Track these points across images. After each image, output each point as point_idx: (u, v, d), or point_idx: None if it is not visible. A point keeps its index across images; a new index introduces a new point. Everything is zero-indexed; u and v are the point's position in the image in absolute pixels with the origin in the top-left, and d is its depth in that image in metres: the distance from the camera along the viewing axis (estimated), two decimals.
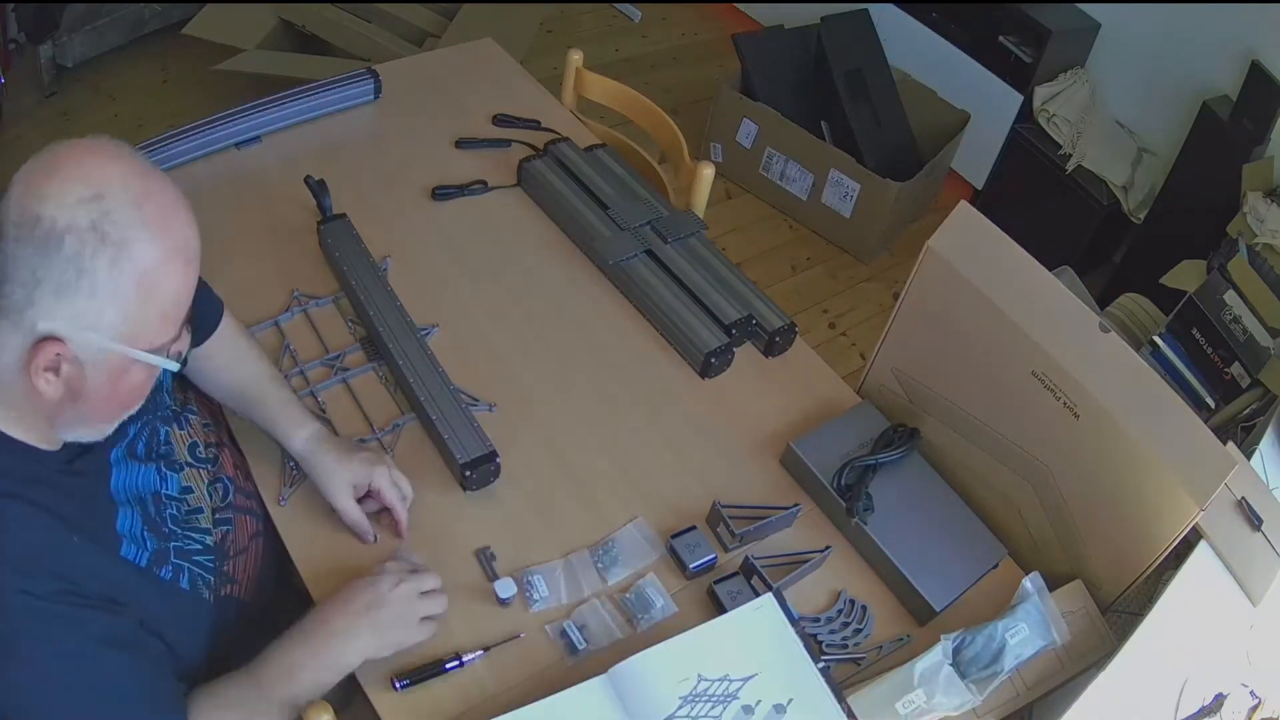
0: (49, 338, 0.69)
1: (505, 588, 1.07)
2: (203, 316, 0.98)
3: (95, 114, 2.68)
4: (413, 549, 1.11)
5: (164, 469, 0.96)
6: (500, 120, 1.69)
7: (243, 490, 1.08)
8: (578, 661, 1.04)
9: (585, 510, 1.18)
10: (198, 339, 1.01)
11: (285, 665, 0.91)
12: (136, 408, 0.82)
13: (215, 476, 1.04)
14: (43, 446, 0.79)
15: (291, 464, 1.10)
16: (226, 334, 1.09)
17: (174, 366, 0.77)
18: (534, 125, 1.69)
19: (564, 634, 1.06)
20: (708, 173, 1.65)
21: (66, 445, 0.82)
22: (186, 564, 0.94)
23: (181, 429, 1.02)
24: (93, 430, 0.82)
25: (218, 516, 1.01)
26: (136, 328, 0.72)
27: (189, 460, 1.00)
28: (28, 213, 0.67)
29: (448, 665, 1.00)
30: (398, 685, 0.98)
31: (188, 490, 0.98)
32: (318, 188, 1.34)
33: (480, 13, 2.80)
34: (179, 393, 1.06)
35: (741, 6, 3.47)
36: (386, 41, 2.66)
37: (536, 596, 1.08)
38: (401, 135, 1.62)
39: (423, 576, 1.00)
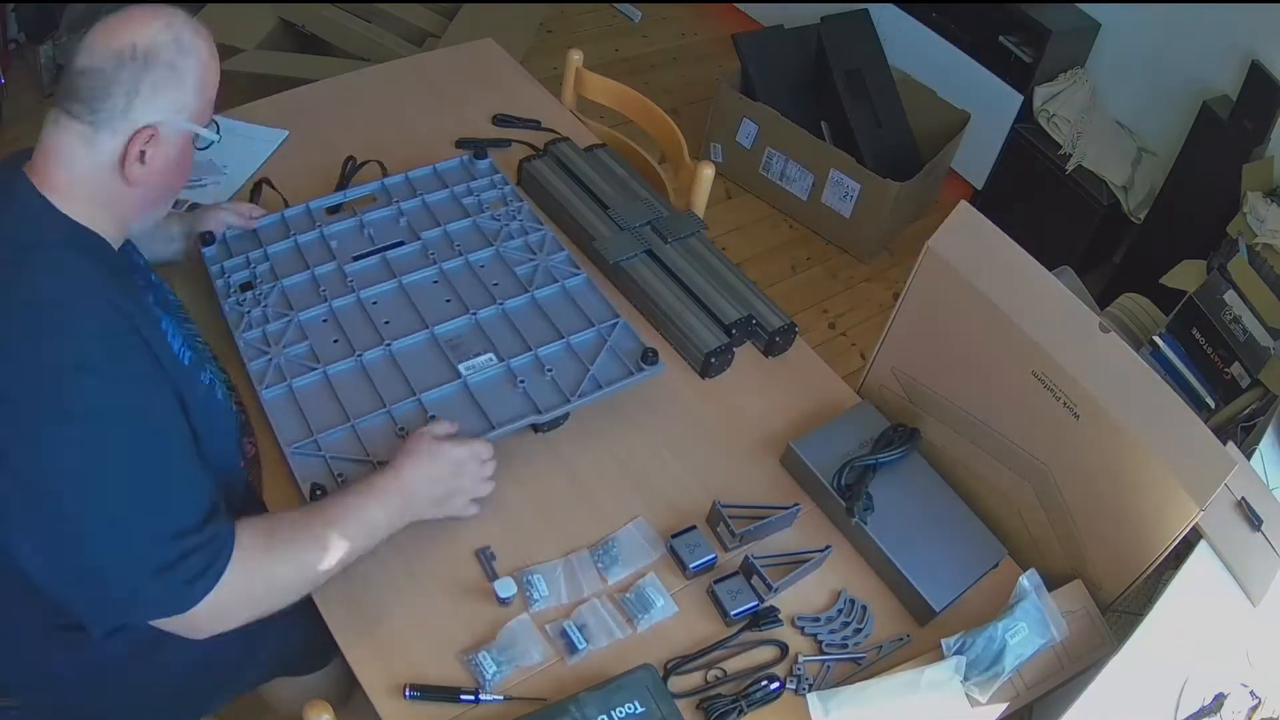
0: (145, 127, 0.92)
1: (505, 588, 1.07)
2: None
3: None
4: (413, 548, 1.12)
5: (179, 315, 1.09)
6: (500, 120, 1.69)
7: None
8: (578, 661, 1.05)
9: (585, 510, 1.18)
10: None
11: (359, 514, 0.99)
12: (181, 187, 1.03)
13: (219, 368, 1.15)
14: (113, 244, 0.97)
15: None
16: None
17: (215, 138, 1.00)
18: (534, 125, 1.69)
19: (564, 634, 1.06)
20: (708, 173, 1.65)
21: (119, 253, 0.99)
22: (219, 377, 1.07)
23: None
24: (154, 212, 1.01)
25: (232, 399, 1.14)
26: (200, 108, 0.96)
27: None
28: (122, 45, 0.89)
29: (463, 697, 1.00)
30: (408, 694, 0.99)
31: (205, 344, 1.12)
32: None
33: (480, 13, 2.80)
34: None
35: (741, 6, 3.47)
36: (386, 41, 2.66)
37: (536, 596, 1.08)
38: (402, 135, 1.62)
39: (484, 447, 1.09)
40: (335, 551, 0.97)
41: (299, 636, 1.26)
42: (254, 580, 0.92)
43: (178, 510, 0.88)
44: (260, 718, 1.43)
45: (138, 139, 0.92)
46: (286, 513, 0.98)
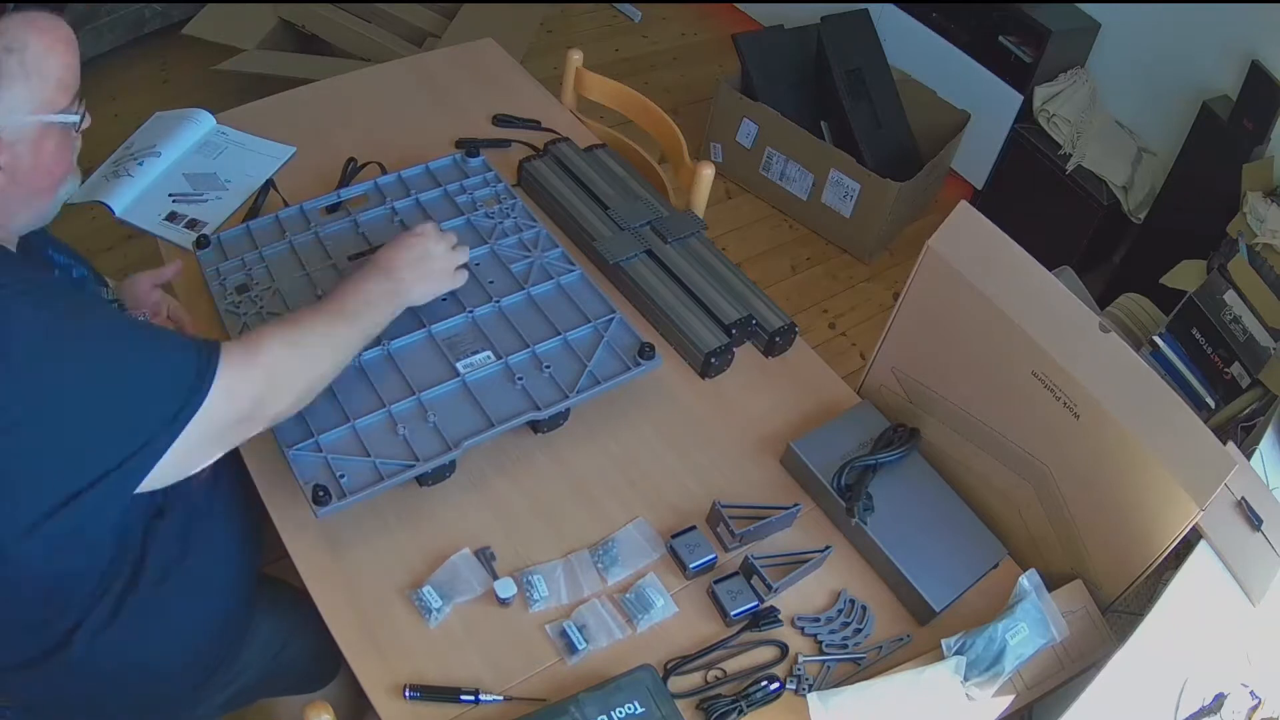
0: None
1: (505, 588, 1.07)
2: None
3: (95, 114, 2.64)
4: (412, 548, 1.12)
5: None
6: (500, 120, 1.69)
7: None
8: (578, 662, 1.05)
9: (585, 510, 1.18)
10: None
11: (360, 295, 1.09)
12: (64, 176, 0.98)
13: None
14: (7, 244, 0.94)
15: None
16: None
17: (74, 119, 0.97)
18: (534, 125, 1.69)
19: (564, 634, 1.06)
20: (708, 173, 1.65)
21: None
22: None
23: None
24: (38, 209, 0.97)
25: None
26: (48, 97, 0.92)
27: None
28: None
29: (463, 697, 1.00)
30: (408, 695, 0.99)
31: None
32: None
33: (480, 13, 2.80)
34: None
35: (741, 6, 3.47)
36: (386, 41, 2.66)
37: (536, 596, 1.08)
38: (401, 135, 1.62)
39: (449, 234, 1.21)
40: (335, 321, 1.05)
41: (298, 644, 1.26)
42: (289, 338, 0.99)
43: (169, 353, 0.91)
44: None
45: None
46: (299, 316, 1.04)
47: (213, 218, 1.45)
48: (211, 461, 0.96)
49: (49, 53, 0.92)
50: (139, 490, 0.89)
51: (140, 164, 1.50)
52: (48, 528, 0.87)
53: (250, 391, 0.95)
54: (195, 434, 0.89)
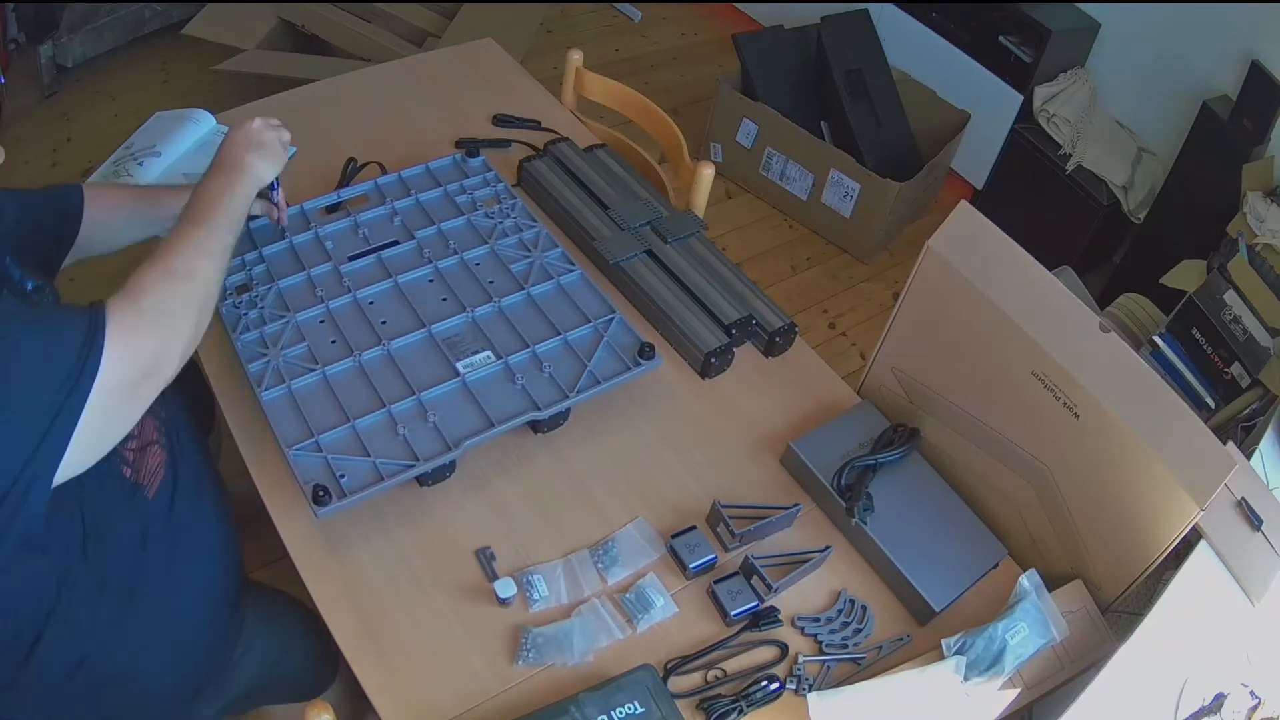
0: None
1: (505, 588, 1.07)
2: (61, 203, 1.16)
3: (95, 114, 2.69)
4: (413, 548, 1.12)
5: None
6: (500, 120, 1.69)
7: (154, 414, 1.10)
8: (578, 662, 1.04)
9: (585, 510, 1.18)
10: (72, 220, 1.17)
11: (212, 198, 1.08)
12: None
13: None
14: None
15: None
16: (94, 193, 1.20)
17: None
18: (534, 125, 1.69)
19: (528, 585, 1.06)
20: (708, 173, 1.65)
21: None
22: None
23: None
24: None
25: None
26: None
27: None
28: None
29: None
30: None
31: None
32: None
33: (480, 13, 2.80)
34: None
35: (741, 6, 3.47)
36: (386, 41, 2.66)
37: (536, 596, 1.08)
38: (402, 135, 1.62)
39: (268, 117, 1.22)
40: (211, 233, 1.03)
41: (296, 654, 1.26)
42: (146, 292, 0.92)
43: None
44: None
45: None
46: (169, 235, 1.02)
47: None
48: (133, 424, 0.92)
49: None
50: (65, 476, 0.85)
51: (140, 164, 1.50)
52: None
53: (147, 339, 0.90)
54: (102, 398, 0.84)
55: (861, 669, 1.09)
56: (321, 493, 1.06)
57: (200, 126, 1.57)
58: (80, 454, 0.85)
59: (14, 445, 0.82)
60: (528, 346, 1.25)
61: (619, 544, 1.15)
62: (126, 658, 1.03)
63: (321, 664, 1.32)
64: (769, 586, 1.09)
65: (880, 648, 1.10)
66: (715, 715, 1.01)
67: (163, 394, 1.08)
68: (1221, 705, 1.03)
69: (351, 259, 1.34)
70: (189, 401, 1.21)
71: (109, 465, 0.96)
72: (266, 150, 1.18)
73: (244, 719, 1.35)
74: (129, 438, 1.02)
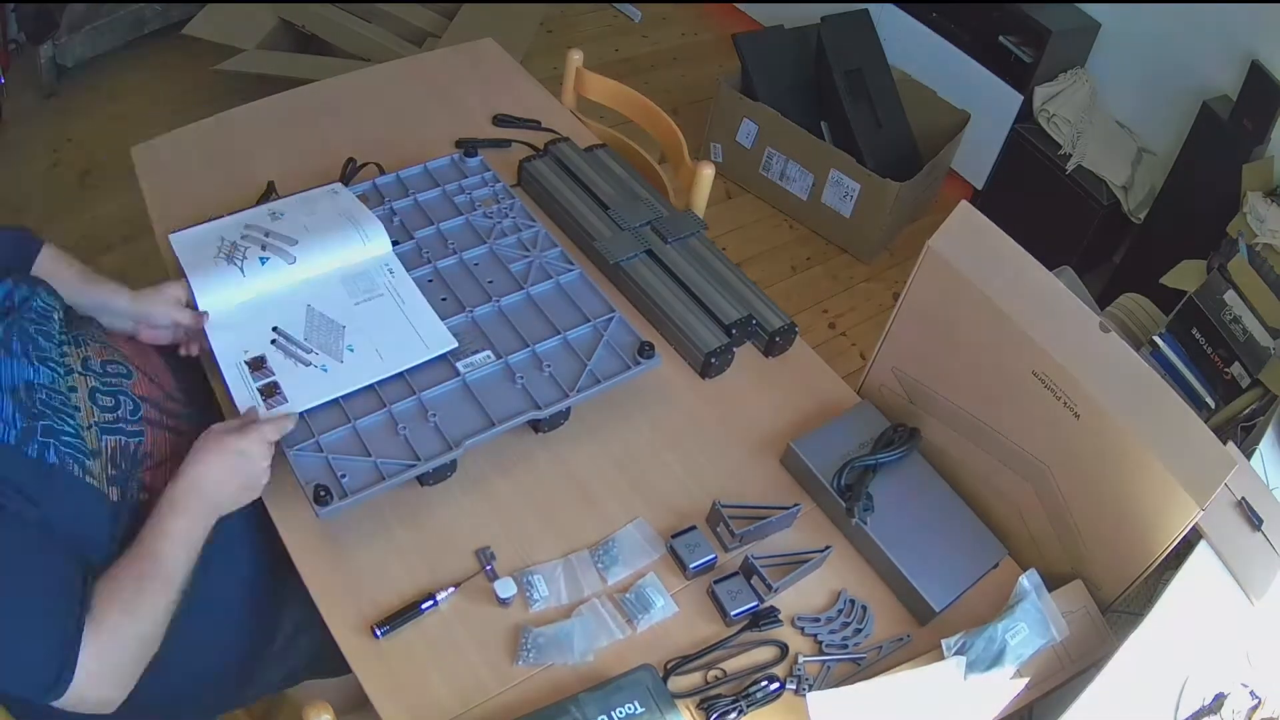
0: None
1: (505, 588, 1.07)
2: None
3: (95, 114, 2.69)
4: (413, 548, 1.12)
5: (36, 363, 1.00)
6: (500, 120, 1.69)
7: (168, 412, 1.11)
8: (578, 662, 1.04)
9: (585, 510, 1.18)
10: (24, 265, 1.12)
11: (168, 536, 0.98)
12: None
13: (112, 388, 1.06)
14: None
15: None
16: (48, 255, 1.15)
17: None
18: (534, 125, 1.69)
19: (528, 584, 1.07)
20: (708, 173, 1.65)
21: None
22: (53, 441, 0.96)
23: (76, 346, 1.06)
24: None
25: (122, 426, 1.04)
26: None
27: (78, 369, 1.04)
28: None
29: (423, 606, 1.05)
30: (378, 633, 1.02)
31: (71, 389, 1.02)
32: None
33: (480, 13, 2.80)
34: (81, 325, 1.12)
35: (741, 6, 3.48)
36: (386, 41, 2.66)
37: (536, 596, 1.08)
38: (401, 135, 1.62)
39: (272, 438, 1.06)
40: (167, 579, 0.97)
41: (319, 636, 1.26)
42: (114, 648, 0.92)
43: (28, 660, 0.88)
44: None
45: None
46: (104, 581, 0.95)
47: (300, 395, 1.11)
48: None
49: None
50: None
51: (264, 261, 1.19)
52: None
53: (104, 691, 0.93)
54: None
55: (861, 669, 1.09)
56: (323, 492, 1.06)
57: (370, 246, 1.26)
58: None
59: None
60: (527, 346, 1.25)
61: (619, 544, 1.15)
62: (169, 646, 1.04)
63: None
64: (769, 586, 1.09)
65: (880, 648, 1.10)
66: (715, 715, 1.01)
67: (169, 405, 1.11)
68: (1221, 705, 1.03)
69: None
70: (206, 401, 1.21)
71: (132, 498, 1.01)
72: (252, 486, 1.05)
73: (280, 697, 1.34)
74: (144, 458, 1.05)
